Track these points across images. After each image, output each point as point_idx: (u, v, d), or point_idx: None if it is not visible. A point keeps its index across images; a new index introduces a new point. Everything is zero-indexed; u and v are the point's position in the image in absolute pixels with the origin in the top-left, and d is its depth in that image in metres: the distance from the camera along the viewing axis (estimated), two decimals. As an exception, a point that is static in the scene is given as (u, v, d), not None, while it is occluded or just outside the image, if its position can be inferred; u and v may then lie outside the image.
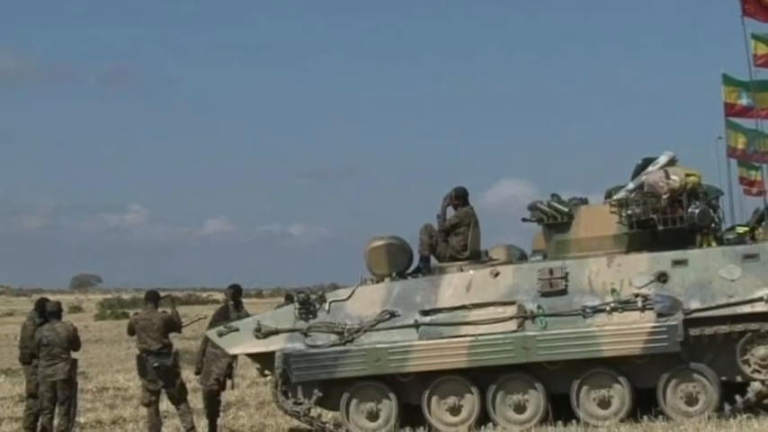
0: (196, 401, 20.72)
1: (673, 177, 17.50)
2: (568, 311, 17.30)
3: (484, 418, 17.67)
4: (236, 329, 18.72)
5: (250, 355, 19.16)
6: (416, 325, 17.83)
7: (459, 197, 18.64)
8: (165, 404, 19.97)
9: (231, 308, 19.88)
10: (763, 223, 17.68)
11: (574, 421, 17.15)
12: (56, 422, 18.74)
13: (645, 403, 17.19)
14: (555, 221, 18.03)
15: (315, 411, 18.65)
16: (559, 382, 17.47)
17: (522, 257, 18.73)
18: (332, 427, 18.32)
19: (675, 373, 17.05)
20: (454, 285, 17.89)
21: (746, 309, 16.72)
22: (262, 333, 18.49)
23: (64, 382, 18.65)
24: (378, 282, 18.45)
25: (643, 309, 17.03)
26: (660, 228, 17.47)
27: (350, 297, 18.32)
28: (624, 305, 17.11)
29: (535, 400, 17.51)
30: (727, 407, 16.83)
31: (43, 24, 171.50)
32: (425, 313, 17.85)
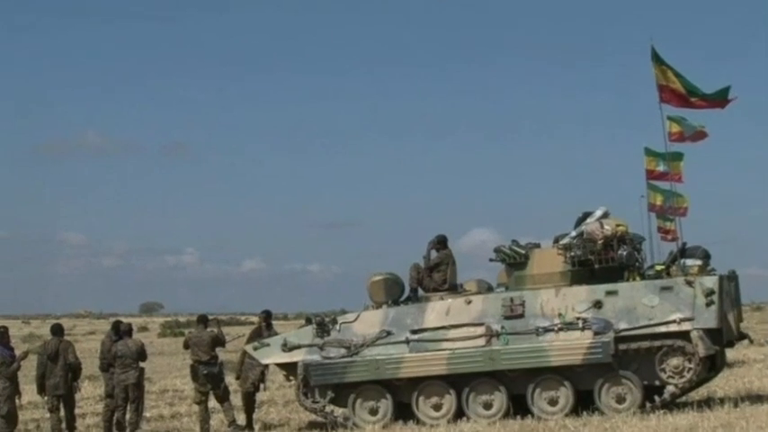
0: (236, 400, 20.46)
1: (606, 227, 17.39)
2: (525, 331, 17.15)
3: (459, 413, 17.54)
4: (268, 345, 18.62)
5: (278, 365, 19.03)
6: (407, 341, 17.70)
7: (441, 242, 18.51)
8: (212, 402, 19.80)
9: (264, 328, 19.71)
10: (676, 263, 17.51)
11: (529, 416, 17.00)
12: (128, 416, 18.62)
13: (584, 402, 17.08)
14: (514, 261, 17.88)
15: (329, 408, 18.49)
16: (518, 385, 17.33)
17: (490, 289, 18.51)
18: (342, 420, 18.17)
19: (608, 379, 16.92)
20: (436, 311, 17.75)
21: (663, 329, 16.63)
22: (287, 347, 18.38)
23: (134, 385, 18.54)
24: (377, 308, 18.28)
25: (583, 329, 16.89)
26: (596, 266, 17.36)
27: (356, 319, 18.18)
28: (568, 326, 16.96)
29: (499, 399, 17.39)
30: (648, 405, 16.68)
31: (117, 109, 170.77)
32: (414, 332, 17.70)
